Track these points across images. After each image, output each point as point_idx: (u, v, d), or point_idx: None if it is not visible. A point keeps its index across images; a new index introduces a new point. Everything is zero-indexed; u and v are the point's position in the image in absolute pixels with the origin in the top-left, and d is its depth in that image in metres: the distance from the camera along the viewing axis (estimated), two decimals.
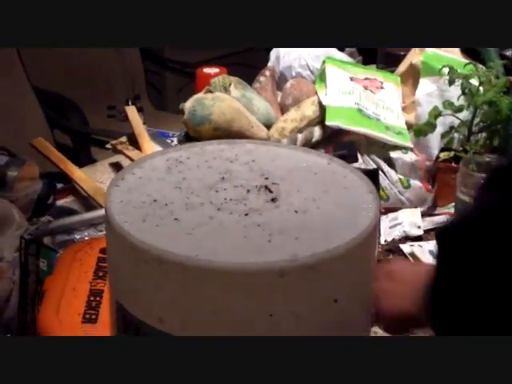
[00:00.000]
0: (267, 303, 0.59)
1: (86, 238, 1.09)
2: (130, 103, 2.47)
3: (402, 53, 1.65)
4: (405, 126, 1.42)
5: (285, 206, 0.67)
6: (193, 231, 0.62)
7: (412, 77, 1.54)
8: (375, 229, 0.65)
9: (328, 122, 1.37)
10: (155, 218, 0.64)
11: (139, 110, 2.37)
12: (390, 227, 1.26)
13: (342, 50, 1.70)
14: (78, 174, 1.32)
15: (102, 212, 0.69)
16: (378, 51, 1.78)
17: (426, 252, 1.19)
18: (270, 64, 1.69)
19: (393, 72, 1.61)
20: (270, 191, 0.69)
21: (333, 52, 1.63)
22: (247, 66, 2.64)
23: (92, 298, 0.92)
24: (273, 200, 0.68)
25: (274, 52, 1.71)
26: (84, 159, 2.00)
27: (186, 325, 0.60)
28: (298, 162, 0.76)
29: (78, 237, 1.10)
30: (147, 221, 0.64)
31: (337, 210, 0.67)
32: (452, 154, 1.35)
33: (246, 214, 0.65)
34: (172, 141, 1.58)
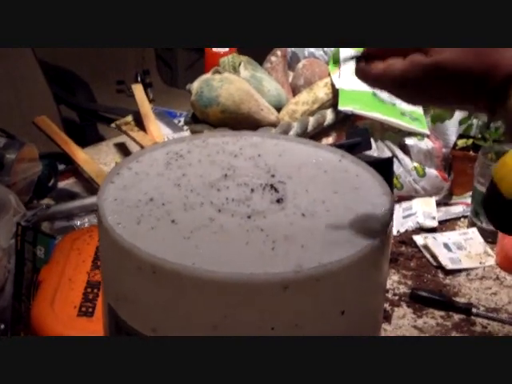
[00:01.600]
0: (269, 316, 0.55)
1: (86, 225, 1.06)
2: (139, 78, 2.42)
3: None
4: (421, 112, 1.36)
5: (291, 209, 0.62)
6: (191, 235, 0.58)
7: None
8: (389, 236, 0.60)
9: (341, 107, 1.31)
10: (151, 219, 0.60)
11: (148, 85, 2.33)
12: (404, 217, 1.22)
13: None
14: (81, 155, 1.28)
15: None
16: None
17: (440, 245, 1.14)
18: None
19: None
20: (276, 191, 0.65)
21: None
22: None
23: (89, 290, 0.88)
24: (278, 201, 0.63)
25: None
26: (91, 136, 1.96)
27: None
28: (308, 157, 0.71)
29: (78, 223, 1.06)
30: (142, 222, 0.59)
31: (347, 213, 0.62)
32: (470, 141, 1.29)
33: (249, 217, 0.61)
34: (179, 121, 1.54)
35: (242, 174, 0.67)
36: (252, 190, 0.64)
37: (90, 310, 0.86)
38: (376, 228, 0.59)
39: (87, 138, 1.91)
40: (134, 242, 0.56)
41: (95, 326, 0.82)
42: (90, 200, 1.08)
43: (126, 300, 0.59)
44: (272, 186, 0.65)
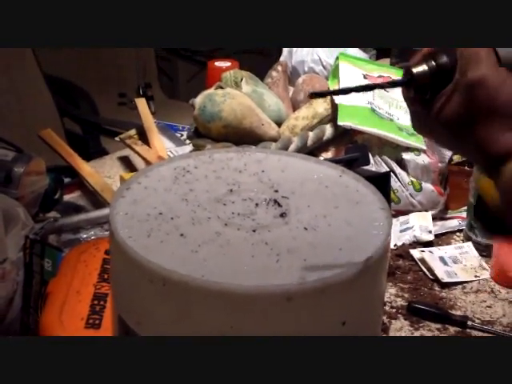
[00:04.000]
0: (273, 326, 0.57)
1: (92, 238, 1.08)
2: (140, 91, 2.46)
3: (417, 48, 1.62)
4: None
5: (294, 223, 0.65)
6: (199, 248, 0.61)
7: None
8: (387, 250, 0.63)
9: (340, 122, 1.34)
10: (160, 233, 0.63)
11: (150, 98, 2.36)
12: (401, 231, 1.25)
13: None
14: (86, 168, 1.31)
15: (108, 211, 0.67)
16: None
17: (436, 259, 1.17)
18: (282, 58, 1.67)
19: None
20: (280, 205, 0.67)
21: None
22: (260, 53, 2.61)
23: (96, 302, 0.90)
24: (282, 215, 0.66)
25: None
26: (94, 148, 1.99)
27: None
28: (309, 173, 0.74)
29: (84, 236, 1.08)
30: (152, 236, 0.62)
31: (348, 228, 0.65)
32: None
33: (254, 231, 0.63)
34: (182, 135, 1.57)
35: (246, 189, 0.70)
36: (256, 205, 0.67)
37: (97, 321, 0.88)
38: (375, 242, 0.62)
39: (90, 150, 1.94)
40: (145, 255, 0.58)
41: None
42: (96, 214, 1.11)
43: (136, 311, 0.61)
44: (275, 201, 0.68)
